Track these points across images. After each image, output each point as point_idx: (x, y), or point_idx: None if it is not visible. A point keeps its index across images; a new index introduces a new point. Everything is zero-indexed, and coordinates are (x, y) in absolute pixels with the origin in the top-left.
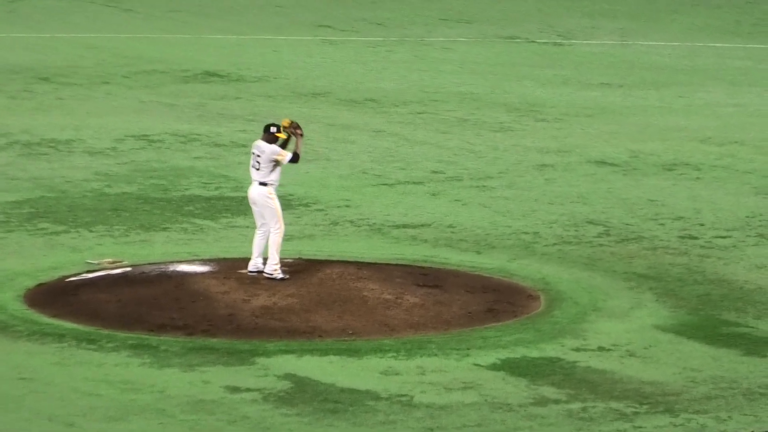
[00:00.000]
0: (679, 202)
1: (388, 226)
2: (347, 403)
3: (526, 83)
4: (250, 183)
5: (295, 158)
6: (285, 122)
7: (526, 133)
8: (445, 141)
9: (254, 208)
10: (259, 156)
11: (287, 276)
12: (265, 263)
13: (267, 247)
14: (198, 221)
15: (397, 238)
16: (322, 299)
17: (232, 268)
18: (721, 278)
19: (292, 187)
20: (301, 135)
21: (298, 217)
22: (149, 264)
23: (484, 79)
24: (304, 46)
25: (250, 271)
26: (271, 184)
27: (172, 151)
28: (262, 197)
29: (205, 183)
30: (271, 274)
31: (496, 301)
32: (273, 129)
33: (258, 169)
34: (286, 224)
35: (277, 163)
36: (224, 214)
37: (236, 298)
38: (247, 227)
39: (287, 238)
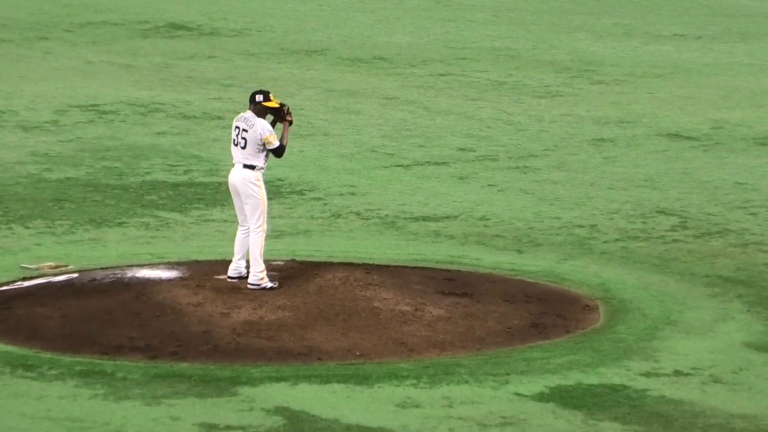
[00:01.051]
0: None
1: (404, 218)
2: None
3: (578, 36)
4: (231, 165)
5: (279, 150)
6: (271, 103)
7: (579, 99)
8: (476, 110)
9: (235, 198)
10: (245, 131)
11: (277, 283)
12: (249, 268)
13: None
14: (163, 214)
15: (416, 233)
16: (322, 312)
17: (206, 273)
18: None
19: (283, 170)
20: (290, 123)
21: (290, 208)
22: (101, 269)
23: (525, 31)
24: None
25: (231, 277)
26: (260, 168)
27: (129, 125)
28: (246, 184)
29: (172, 165)
30: (257, 285)
31: (542, 313)
32: (259, 97)
33: (243, 147)
34: (271, 218)
35: (263, 145)
36: (196, 205)
37: (212, 311)
38: (227, 221)
39: (276, 234)
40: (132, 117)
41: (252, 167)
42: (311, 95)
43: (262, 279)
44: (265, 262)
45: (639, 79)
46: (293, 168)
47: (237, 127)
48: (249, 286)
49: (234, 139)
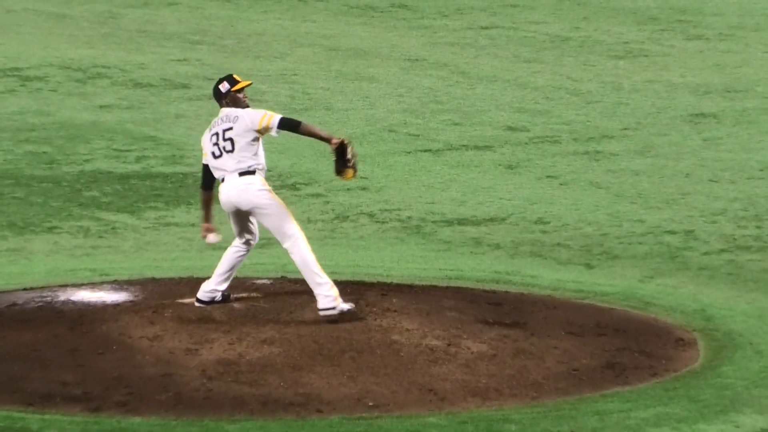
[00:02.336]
0: None
1: (433, 221)
2: None
3: None
4: (216, 181)
5: (291, 121)
6: (334, 141)
7: (669, 60)
8: (530, 76)
9: (234, 217)
10: (229, 130)
11: (353, 305)
12: (222, 295)
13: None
14: (108, 216)
15: (449, 242)
16: (323, 347)
17: (166, 295)
18: None
19: (270, 156)
20: (341, 150)
21: None
22: (24, 290)
23: None
24: None
25: (200, 301)
26: (261, 169)
27: (62, 96)
28: (253, 195)
29: (119, 151)
30: (330, 309)
31: (620, 349)
32: (225, 86)
33: (231, 151)
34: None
35: (260, 134)
36: (152, 204)
37: (175, 347)
38: (194, 226)
39: (262, 242)
40: (66, 85)
41: (251, 172)
42: (307, 56)
43: (336, 299)
44: (245, 279)
45: (750, 34)
46: (284, 154)
47: (215, 134)
48: (321, 313)
49: (214, 151)
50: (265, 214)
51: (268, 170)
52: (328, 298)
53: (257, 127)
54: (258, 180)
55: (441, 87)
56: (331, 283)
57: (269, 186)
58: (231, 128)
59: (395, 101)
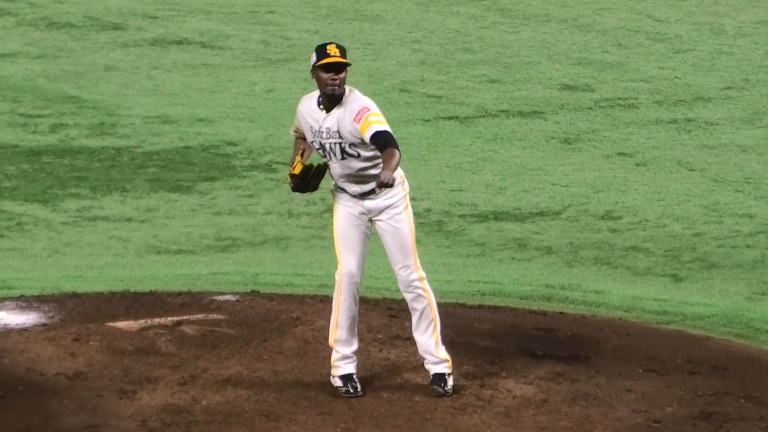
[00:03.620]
0: None
1: (461, 215)
2: None
3: None
4: (330, 200)
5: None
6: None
7: None
8: (596, 13)
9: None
10: (336, 134)
11: (353, 391)
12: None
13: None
14: (12, 206)
15: (482, 243)
16: (308, 389)
17: (92, 316)
18: None
19: (235, 126)
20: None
21: (250, 196)
22: None
23: None
24: None
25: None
26: (400, 182)
27: None
28: (393, 215)
29: (28, 116)
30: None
31: (718, 393)
32: (312, 59)
33: (350, 158)
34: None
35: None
36: (73, 190)
37: (104, 387)
38: (131, 220)
39: (225, 243)
40: None
41: (389, 185)
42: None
43: (332, 367)
44: (201, 295)
45: None
46: (255, 123)
47: (318, 131)
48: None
49: (325, 153)
50: (394, 239)
51: (230, 143)
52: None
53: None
54: (398, 196)
55: (472, 29)
56: (340, 351)
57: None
58: (339, 131)
59: (409, 49)
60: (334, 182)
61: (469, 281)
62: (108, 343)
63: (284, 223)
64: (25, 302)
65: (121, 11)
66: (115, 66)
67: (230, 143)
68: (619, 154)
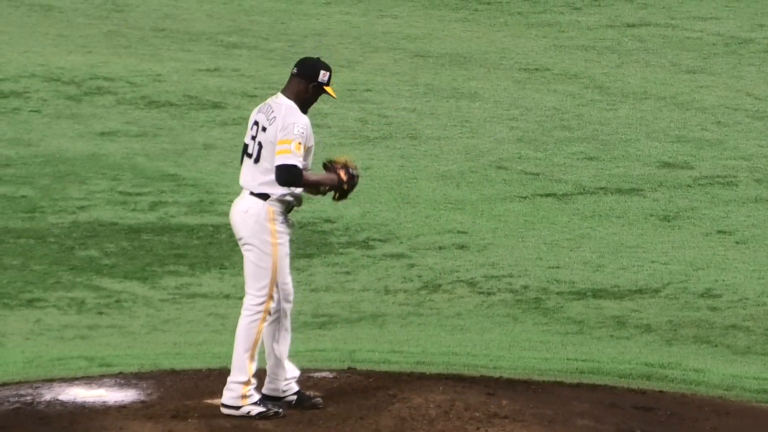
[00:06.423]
0: None
1: (558, 293)
2: None
3: None
4: (234, 193)
5: (288, 170)
6: (339, 160)
7: None
8: (695, 91)
9: (240, 243)
10: (263, 130)
11: (281, 410)
12: (284, 377)
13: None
14: (111, 284)
15: (581, 321)
16: None
17: (190, 393)
18: None
19: (330, 202)
20: (343, 188)
21: (346, 273)
22: None
23: None
24: None
25: (250, 402)
26: (277, 199)
27: (48, 119)
28: (251, 222)
29: (127, 194)
30: (234, 407)
31: None
32: (324, 75)
33: (256, 161)
34: (311, 290)
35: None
36: (171, 267)
37: None
38: (229, 297)
39: (320, 321)
40: (53, 104)
41: (265, 196)
42: (386, 64)
43: (243, 397)
44: (302, 372)
45: None
46: (352, 200)
47: (255, 123)
48: (222, 409)
49: (247, 145)
50: (251, 251)
51: (326, 219)
52: (233, 393)
53: (275, 148)
54: (265, 210)
55: (570, 107)
56: (250, 375)
57: (279, 223)
58: (265, 129)
59: (506, 127)
60: (285, 214)
61: (568, 359)
62: (206, 420)
63: (381, 300)
64: (123, 379)
65: (220, 90)
66: (213, 144)
67: (327, 220)
68: (719, 231)
